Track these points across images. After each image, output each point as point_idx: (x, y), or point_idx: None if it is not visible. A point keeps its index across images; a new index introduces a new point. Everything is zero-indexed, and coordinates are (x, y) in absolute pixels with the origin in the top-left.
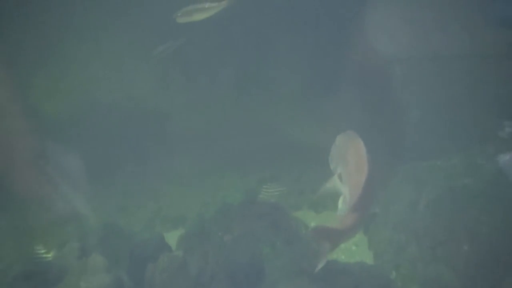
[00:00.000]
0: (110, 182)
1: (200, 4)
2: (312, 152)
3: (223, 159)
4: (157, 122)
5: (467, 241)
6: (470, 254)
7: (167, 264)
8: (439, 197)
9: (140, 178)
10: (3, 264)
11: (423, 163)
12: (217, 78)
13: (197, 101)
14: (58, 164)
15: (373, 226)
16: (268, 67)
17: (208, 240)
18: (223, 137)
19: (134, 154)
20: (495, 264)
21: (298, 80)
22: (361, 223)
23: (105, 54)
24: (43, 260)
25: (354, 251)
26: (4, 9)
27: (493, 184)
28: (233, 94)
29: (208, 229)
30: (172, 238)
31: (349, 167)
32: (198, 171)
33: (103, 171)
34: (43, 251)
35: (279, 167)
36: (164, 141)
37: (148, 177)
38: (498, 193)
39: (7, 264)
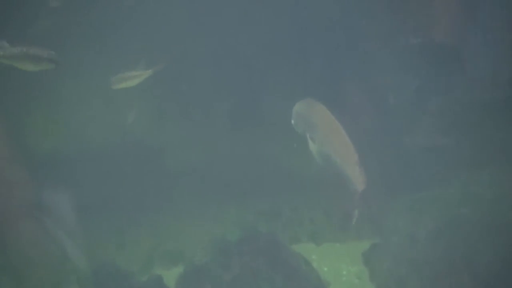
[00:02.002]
0: (107, 219)
1: (130, 72)
2: (310, 182)
3: (221, 192)
4: (153, 157)
5: (467, 271)
6: (471, 284)
7: None
8: (438, 228)
9: (137, 214)
10: None
11: (420, 194)
12: (212, 111)
13: (192, 135)
14: (53, 206)
15: (374, 258)
16: (264, 98)
17: (207, 280)
18: (220, 170)
19: (130, 190)
20: None
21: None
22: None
23: (100, 92)
24: None
25: (356, 284)
26: None
27: (491, 213)
28: (228, 126)
29: (207, 268)
30: (172, 276)
31: (322, 131)
32: (195, 205)
33: (100, 208)
34: None
35: (278, 198)
36: (161, 176)
37: (146, 213)
38: (496, 222)
39: None
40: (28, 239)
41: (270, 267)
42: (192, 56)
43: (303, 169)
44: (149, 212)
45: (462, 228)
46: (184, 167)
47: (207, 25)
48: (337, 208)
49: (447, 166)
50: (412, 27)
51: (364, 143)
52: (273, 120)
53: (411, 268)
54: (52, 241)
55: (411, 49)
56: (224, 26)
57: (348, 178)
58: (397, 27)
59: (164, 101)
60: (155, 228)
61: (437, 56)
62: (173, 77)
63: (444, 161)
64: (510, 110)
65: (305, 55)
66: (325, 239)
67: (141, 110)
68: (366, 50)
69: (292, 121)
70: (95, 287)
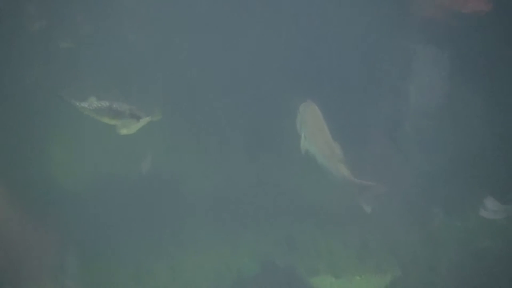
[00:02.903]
0: (123, 250)
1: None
2: (327, 211)
3: (237, 222)
4: (169, 188)
5: None
6: None
7: None
8: (460, 261)
9: (153, 244)
10: None
11: (440, 224)
12: (227, 140)
13: (208, 165)
14: (68, 236)
15: None
16: (279, 126)
17: None
18: (236, 199)
19: (146, 220)
20: None
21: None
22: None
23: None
24: None
25: None
26: None
27: None
28: (244, 155)
29: None
30: None
31: (310, 129)
32: (211, 236)
33: (116, 239)
34: None
35: (294, 227)
36: (177, 206)
37: (162, 244)
38: None
39: None
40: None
41: None
42: (206, 87)
43: (320, 198)
44: (165, 243)
45: (485, 260)
46: (199, 197)
47: (218, 56)
48: (356, 239)
49: (467, 194)
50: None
51: (381, 170)
52: (290, 148)
53: None
54: (66, 271)
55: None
56: (236, 56)
57: (330, 174)
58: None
59: (179, 131)
60: (171, 260)
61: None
62: (188, 108)
63: (464, 189)
64: None
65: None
66: (344, 271)
67: (157, 141)
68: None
69: (296, 122)
70: None
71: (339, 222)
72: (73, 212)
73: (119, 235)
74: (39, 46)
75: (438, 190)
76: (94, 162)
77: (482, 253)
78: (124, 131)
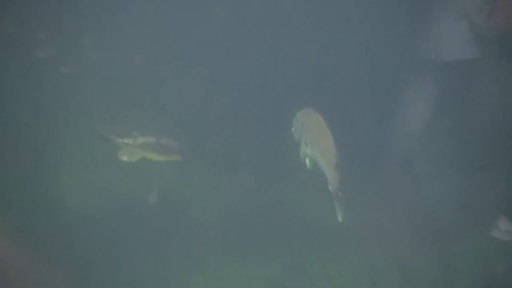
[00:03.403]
0: (131, 274)
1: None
2: (336, 234)
3: (246, 245)
4: (178, 211)
5: None
6: None
7: None
8: (473, 286)
9: (162, 268)
10: None
11: (451, 248)
12: (236, 162)
13: (217, 188)
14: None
15: None
16: (288, 149)
17: None
18: (245, 222)
19: (155, 244)
20: None
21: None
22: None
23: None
24: None
25: None
26: None
27: None
28: (253, 177)
29: None
30: None
31: (313, 135)
32: (220, 259)
33: (124, 262)
34: None
35: (303, 250)
36: (186, 229)
37: (170, 267)
38: None
39: None
40: None
41: None
42: (213, 110)
43: (329, 221)
44: (174, 266)
45: (498, 284)
46: (209, 220)
47: (224, 81)
48: (366, 262)
49: (479, 215)
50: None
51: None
52: (299, 171)
53: None
54: None
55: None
56: (243, 80)
57: (328, 180)
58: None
59: (190, 157)
60: (180, 284)
61: None
62: (196, 131)
63: (476, 210)
64: None
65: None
66: None
67: (169, 166)
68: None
69: (292, 129)
70: None
71: (349, 245)
72: (80, 238)
73: (127, 260)
74: (48, 73)
75: (449, 211)
76: (101, 188)
77: (496, 276)
78: (125, 158)
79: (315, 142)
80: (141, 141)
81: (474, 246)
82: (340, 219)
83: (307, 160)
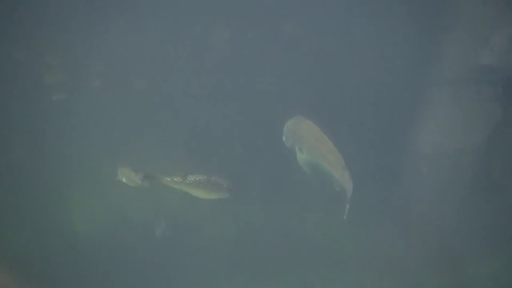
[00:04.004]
0: None
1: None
2: (344, 257)
3: (254, 268)
4: (187, 234)
5: None
6: None
7: None
8: None
9: None
10: None
11: (464, 270)
12: (244, 185)
13: (226, 210)
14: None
15: None
16: (295, 174)
17: None
18: (253, 245)
19: (164, 267)
20: None
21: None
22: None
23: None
24: None
25: None
26: None
27: None
28: (261, 201)
29: None
30: None
31: (310, 141)
32: (229, 282)
33: (133, 286)
34: None
35: (311, 274)
36: (194, 252)
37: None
38: None
39: None
40: None
41: None
42: (222, 134)
43: (337, 243)
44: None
45: None
46: (217, 243)
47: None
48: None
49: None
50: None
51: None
52: (306, 194)
53: None
54: None
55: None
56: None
57: (337, 181)
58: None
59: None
60: None
61: None
62: (204, 153)
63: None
64: None
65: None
66: None
67: (178, 192)
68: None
69: (283, 138)
70: None
71: (357, 266)
72: (88, 263)
73: (136, 284)
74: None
75: (460, 230)
76: (109, 213)
77: None
78: (123, 180)
79: (313, 147)
80: (191, 179)
81: (488, 270)
82: (345, 217)
83: (304, 166)
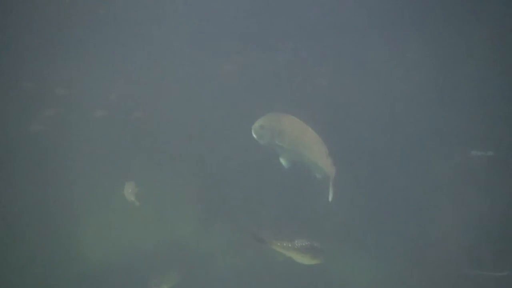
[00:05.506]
0: None
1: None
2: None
3: None
4: (198, 263)
5: None
6: None
7: None
8: None
9: None
10: None
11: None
12: (256, 214)
13: (237, 239)
14: None
15: None
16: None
17: None
18: (265, 274)
19: None
20: None
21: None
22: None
23: (149, 201)
24: None
25: None
26: None
27: None
28: (273, 229)
29: None
30: None
31: (292, 134)
32: None
33: None
34: None
35: None
36: (207, 282)
37: None
38: None
39: None
40: None
41: None
42: (231, 160)
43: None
44: None
45: None
46: (229, 273)
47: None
48: None
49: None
50: None
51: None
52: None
53: None
54: None
55: None
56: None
57: (320, 169)
58: None
59: (208, 204)
60: None
61: None
62: (216, 182)
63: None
64: None
65: None
66: None
67: (186, 213)
68: None
69: (255, 136)
70: None
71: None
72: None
73: None
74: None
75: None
76: (121, 241)
77: None
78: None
79: (296, 140)
80: (299, 245)
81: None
82: (330, 199)
83: (282, 160)
